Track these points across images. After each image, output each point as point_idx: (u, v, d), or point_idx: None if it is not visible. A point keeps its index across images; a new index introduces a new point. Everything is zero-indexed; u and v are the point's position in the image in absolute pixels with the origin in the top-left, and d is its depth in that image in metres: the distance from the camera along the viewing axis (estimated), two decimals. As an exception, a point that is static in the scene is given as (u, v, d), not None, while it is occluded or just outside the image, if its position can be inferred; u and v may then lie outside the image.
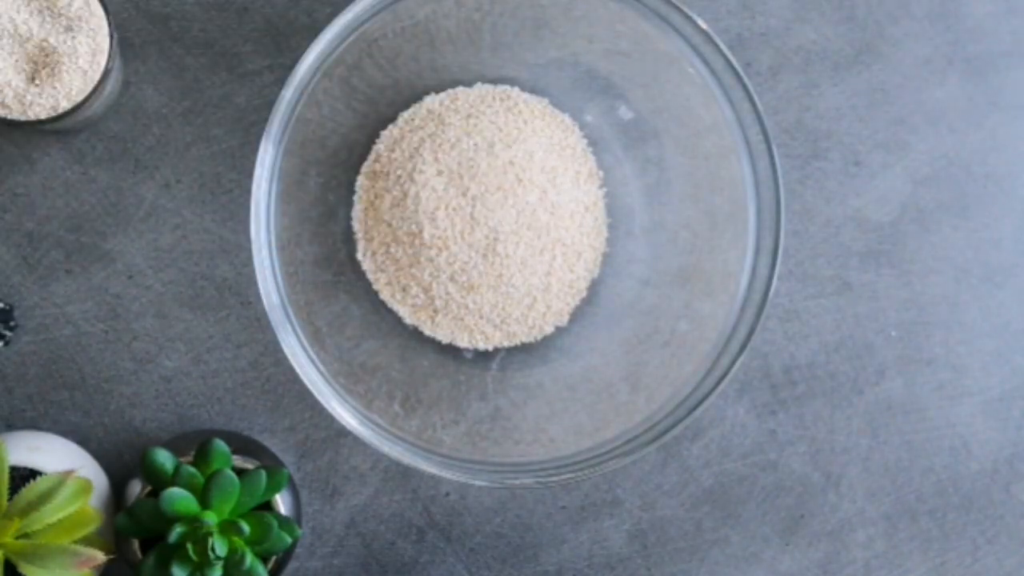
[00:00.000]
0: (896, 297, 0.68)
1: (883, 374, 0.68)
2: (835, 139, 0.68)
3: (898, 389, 0.68)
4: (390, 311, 0.66)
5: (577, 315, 0.66)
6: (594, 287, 0.66)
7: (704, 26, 0.58)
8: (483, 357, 0.66)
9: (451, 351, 0.66)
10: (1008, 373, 0.69)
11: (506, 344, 0.66)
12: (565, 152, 0.65)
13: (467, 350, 0.66)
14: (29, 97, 0.59)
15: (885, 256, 0.68)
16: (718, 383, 0.59)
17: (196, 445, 0.59)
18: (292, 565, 0.67)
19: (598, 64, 0.64)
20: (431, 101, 0.66)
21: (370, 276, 0.65)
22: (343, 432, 0.66)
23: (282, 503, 0.61)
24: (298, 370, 0.58)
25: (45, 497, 0.56)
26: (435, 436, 0.61)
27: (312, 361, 0.59)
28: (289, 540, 0.57)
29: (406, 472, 0.67)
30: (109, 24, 0.59)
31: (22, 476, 0.59)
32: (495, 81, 0.66)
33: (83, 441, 0.65)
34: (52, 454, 0.60)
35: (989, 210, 0.69)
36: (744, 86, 0.58)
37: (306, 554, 0.67)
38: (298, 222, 0.61)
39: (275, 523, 0.56)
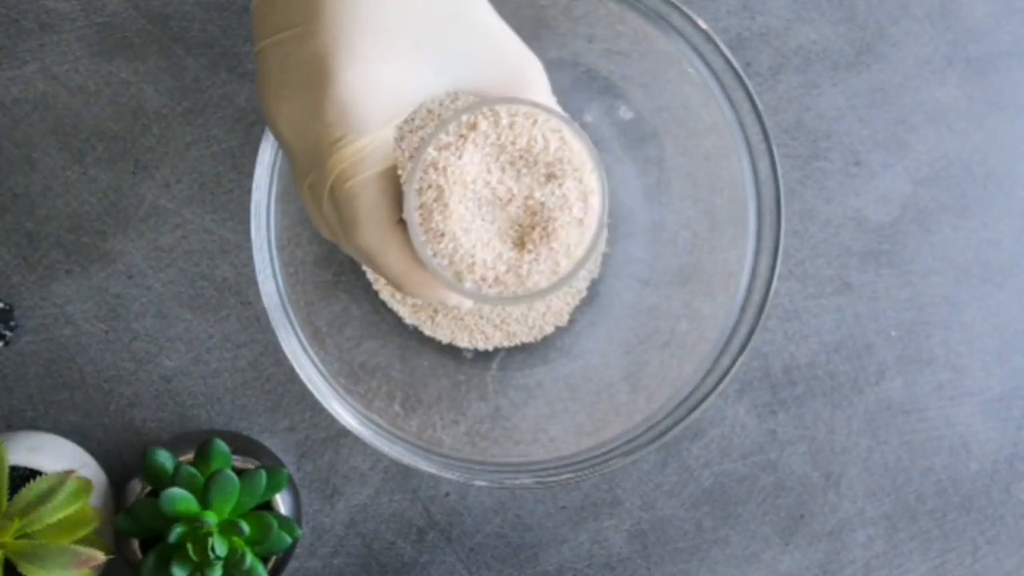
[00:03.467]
0: (896, 297, 0.68)
1: (883, 374, 0.68)
2: (835, 139, 0.68)
3: (898, 389, 0.68)
4: (390, 311, 0.66)
5: (577, 315, 0.66)
6: (594, 287, 0.66)
7: (704, 26, 0.58)
8: (483, 357, 0.66)
9: (451, 351, 0.66)
10: (1008, 373, 0.69)
11: (506, 344, 0.66)
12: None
13: (467, 350, 0.66)
14: (525, 267, 0.48)
15: (885, 256, 0.68)
16: (718, 383, 0.59)
17: (196, 445, 0.59)
18: (292, 565, 0.67)
19: (598, 64, 0.64)
20: (431, 101, 0.66)
21: (370, 276, 0.65)
22: (343, 432, 0.66)
23: (282, 503, 0.61)
24: (298, 370, 0.58)
25: (45, 497, 0.56)
26: (435, 436, 0.61)
27: (312, 361, 0.59)
28: (289, 540, 0.57)
29: (406, 472, 0.67)
30: (593, 158, 0.47)
31: (22, 476, 0.58)
32: (495, 81, 0.66)
33: (83, 441, 0.65)
34: (52, 454, 0.60)
35: (989, 210, 0.69)
36: (744, 86, 0.58)
37: (306, 554, 0.67)
38: (298, 222, 0.61)
39: (275, 523, 0.56)
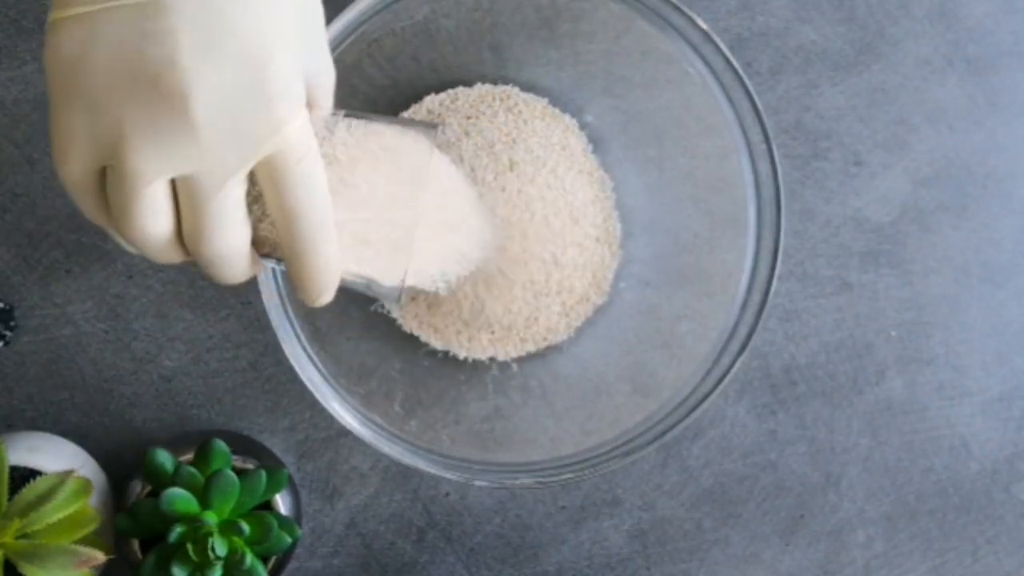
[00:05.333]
0: (896, 297, 0.68)
1: (883, 374, 0.68)
2: (835, 139, 0.68)
3: (898, 389, 0.68)
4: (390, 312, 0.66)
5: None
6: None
7: (704, 26, 0.58)
8: (483, 357, 0.66)
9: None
10: (1008, 373, 0.69)
11: (513, 355, 0.66)
12: (565, 152, 0.65)
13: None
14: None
15: (885, 256, 0.68)
16: (718, 383, 0.59)
17: (196, 445, 0.59)
18: (292, 565, 0.67)
19: (598, 64, 0.64)
20: (431, 101, 0.66)
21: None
22: (343, 432, 0.66)
23: (282, 503, 0.61)
24: (298, 370, 0.58)
25: (45, 497, 0.56)
26: (435, 436, 0.61)
27: (312, 361, 0.59)
28: (289, 540, 0.57)
29: (406, 472, 0.67)
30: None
31: (22, 476, 0.59)
32: (495, 81, 0.66)
33: (83, 441, 0.65)
34: (52, 454, 0.60)
35: (989, 210, 0.69)
36: (744, 86, 0.58)
37: (306, 554, 0.67)
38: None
39: (275, 523, 0.56)
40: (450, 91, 0.66)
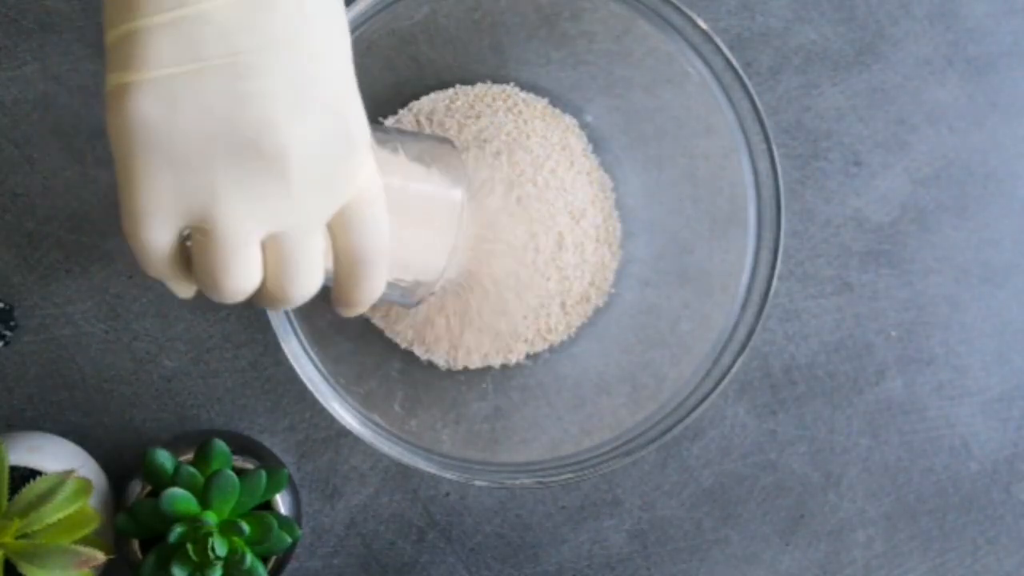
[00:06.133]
0: (896, 297, 0.68)
1: (883, 374, 0.68)
2: (835, 139, 0.68)
3: (898, 389, 0.68)
4: (390, 311, 0.66)
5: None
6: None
7: (704, 26, 0.58)
8: (483, 357, 0.66)
9: (451, 351, 0.66)
10: (1008, 373, 0.69)
11: (514, 360, 0.66)
12: (565, 152, 0.65)
13: (467, 350, 0.66)
14: None
15: (885, 256, 0.68)
16: (718, 383, 0.59)
17: (196, 445, 0.59)
18: (292, 565, 0.67)
19: (598, 64, 0.64)
20: (429, 101, 0.66)
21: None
22: (343, 432, 0.66)
23: (282, 503, 0.61)
24: (298, 370, 0.58)
25: (45, 497, 0.56)
26: (435, 436, 0.61)
27: (312, 361, 0.59)
28: (289, 540, 0.57)
29: (406, 472, 0.67)
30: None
31: (22, 476, 0.58)
32: (495, 81, 0.66)
33: (83, 441, 0.65)
34: (52, 454, 0.60)
35: (989, 210, 0.69)
36: (744, 86, 0.58)
37: (306, 554, 0.67)
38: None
39: (275, 523, 0.56)
40: (449, 91, 0.66)
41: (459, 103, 0.65)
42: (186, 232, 0.42)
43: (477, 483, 0.58)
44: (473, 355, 0.65)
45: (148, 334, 0.66)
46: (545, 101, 0.66)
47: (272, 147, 0.40)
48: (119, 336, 0.66)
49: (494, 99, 0.65)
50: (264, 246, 0.42)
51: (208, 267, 0.42)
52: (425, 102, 0.66)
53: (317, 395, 0.58)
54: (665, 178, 0.65)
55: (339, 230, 0.44)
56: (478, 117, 0.64)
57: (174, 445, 0.61)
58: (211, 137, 0.39)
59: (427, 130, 0.65)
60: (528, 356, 0.66)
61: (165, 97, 0.39)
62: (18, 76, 0.66)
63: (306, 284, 0.44)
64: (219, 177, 0.40)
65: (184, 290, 0.45)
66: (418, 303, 0.55)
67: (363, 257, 0.45)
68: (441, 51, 0.64)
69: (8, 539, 0.55)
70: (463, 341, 0.64)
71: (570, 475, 0.58)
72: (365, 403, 0.60)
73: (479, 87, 0.66)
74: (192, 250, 0.42)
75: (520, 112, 0.65)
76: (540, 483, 0.59)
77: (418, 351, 0.65)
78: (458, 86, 0.66)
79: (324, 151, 0.41)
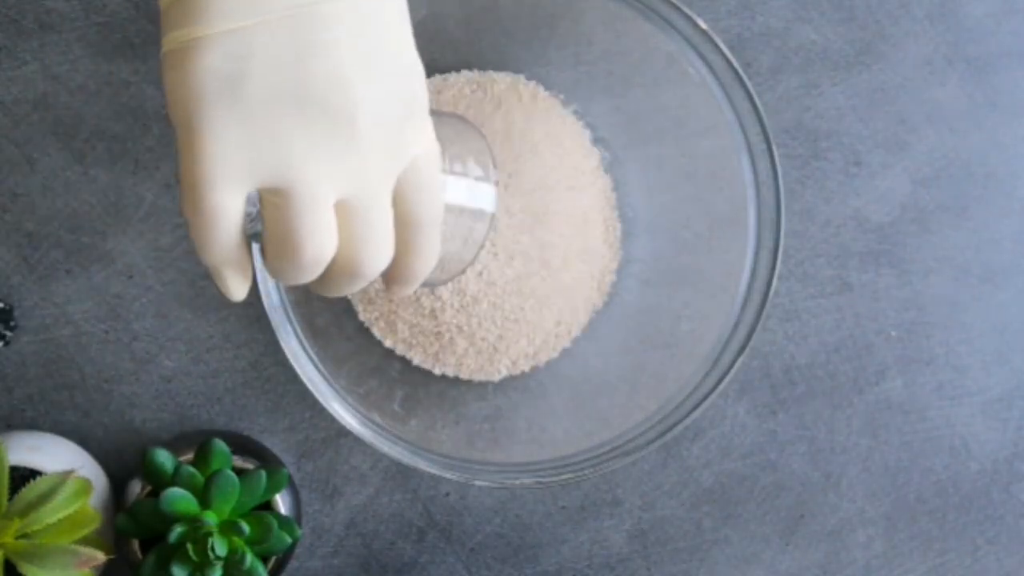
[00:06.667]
0: (896, 297, 0.68)
1: (883, 374, 0.68)
2: (835, 139, 0.68)
3: (898, 389, 0.68)
4: (390, 311, 0.66)
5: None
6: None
7: (704, 26, 0.58)
8: (483, 357, 0.66)
9: (451, 351, 0.66)
10: (1008, 373, 0.69)
11: (506, 373, 0.65)
12: (566, 152, 0.65)
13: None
14: None
15: (885, 256, 0.68)
16: (718, 383, 0.59)
17: (196, 445, 0.59)
18: (292, 565, 0.67)
19: (598, 64, 0.64)
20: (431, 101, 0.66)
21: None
22: (343, 432, 0.66)
23: (282, 503, 0.61)
24: (298, 370, 0.58)
25: (45, 497, 0.56)
26: (435, 436, 0.61)
27: (312, 361, 0.59)
28: (289, 540, 0.57)
29: (406, 472, 0.67)
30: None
31: (22, 476, 0.59)
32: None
33: (83, 441, 0.65)
34: (52, 454, 0.60)
35: (989, 210, 0.69)
36: (744, 86, 0.58)
37: (306, 554, 0.67)
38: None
39: (275, 523, 0.56)
40: (447, 75, 0.65)
41: (467, 92, 0.65)
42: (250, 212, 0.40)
43: (477, 483, 0.58)
44: (474, 365, 0.64)
45: (148, 334, 0.66)
46: (558, 97, 0.65)
47: (340, 103, 0.38)
48: (119, 336, 0.66)
49: (494, 98, 0.65)
50: (336, 212, 0.40)
51: (286, 232, 0.40)
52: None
53: (317, 395, 0.58)
54: (665, 178, 0.65)
55: (399, 196, 0.42)
56: (477, 118, 0.64)
57: (174, 445, 0.61)
58: (281, 93, 0.38)
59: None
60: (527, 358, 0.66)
61: (234, 51, 0.38)
62: (18, 76, 0.66)
63: (380, 253, 0.41)
64: (293, 135, 0.38)
65: (239, 285, 0.42)
66: (444, 282, 0.54)
67: (422, 222, 0.42)
68: (441, 51, 0.64)
69: (8, 539, 0.55)
70: (465, 361, 0.64)
71: (570, 475, 0.58)
72: (365, 403, 0.60)
73: (490, 74, 0.65)
74: (265, 218, 0.40)
75: (525, 108, 0.65)
76: (540, 483, 0.59)
77: (418, 360, 0.65)
78: (464, 71, 0.65)
79: (392, 111, 0.40)
